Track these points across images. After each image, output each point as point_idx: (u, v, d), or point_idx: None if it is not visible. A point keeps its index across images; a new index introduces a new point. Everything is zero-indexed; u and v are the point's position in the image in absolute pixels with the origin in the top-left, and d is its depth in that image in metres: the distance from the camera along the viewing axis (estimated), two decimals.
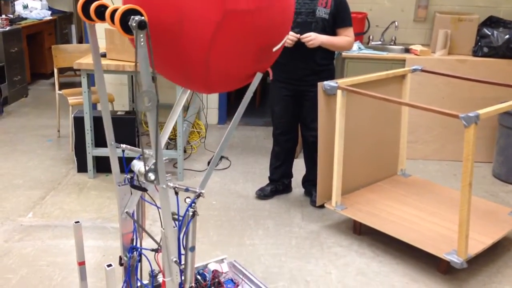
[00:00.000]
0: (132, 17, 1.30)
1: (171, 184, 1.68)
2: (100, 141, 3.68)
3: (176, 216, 1.75)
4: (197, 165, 4.01)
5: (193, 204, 1.73)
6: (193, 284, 1.81)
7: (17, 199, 3.37)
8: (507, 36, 4.02)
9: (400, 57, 4.14)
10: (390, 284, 2.57)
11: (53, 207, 3.27)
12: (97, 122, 3.67)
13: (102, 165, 3.77)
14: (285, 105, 3.26)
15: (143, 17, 1.31)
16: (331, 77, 3.16)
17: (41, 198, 3.38)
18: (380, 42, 4.57)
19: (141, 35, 1.31)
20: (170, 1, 1.40)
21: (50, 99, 5.69)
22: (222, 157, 4.11)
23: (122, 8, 1.31)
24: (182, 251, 1.76)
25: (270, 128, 3.49)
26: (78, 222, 1.91)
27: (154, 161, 1.51)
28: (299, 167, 3.61)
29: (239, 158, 4.17)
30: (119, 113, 3.88)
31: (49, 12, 6.70)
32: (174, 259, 1.65)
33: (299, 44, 3.00)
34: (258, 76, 1.64)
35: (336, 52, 3.38)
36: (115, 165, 1.79)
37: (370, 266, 2.72)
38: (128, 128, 3.76)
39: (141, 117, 4.40)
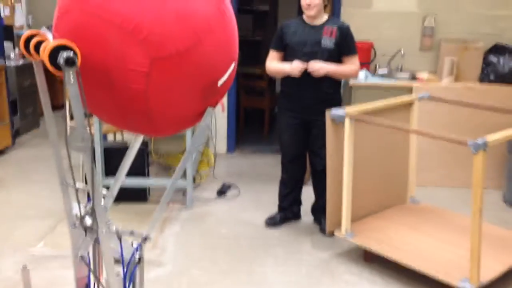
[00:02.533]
0: (61, 52, 1.25)
1: (114, 228, 1.61)
2: (109, 171, 3.72)
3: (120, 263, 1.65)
4: (206, 193, 4.03)
5: (138, 250, 1.65)
6: None
7: (29, 228, 3.40)
8: None
9: (407, 85, 4.18)
10: None
11: (64, 238, 3.28)
12: (107, 152, 3.72)
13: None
14: (293, 133, 3.29)
15: (71, 54, 1.25)
16: (338, 105, 3.20)
17: (52, 228, 3.41)
18: (386, 71, 4.62)
19: (70, 73, 1.26)
20: (96, 51, 1.32)
21: (61, 130, 5.75)
22: (230, 185, 4.13)
23: (52, 43, 1.26)
24: None
25: (279, 156, 3.51)
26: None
27: (91, 204, 1.43)
28: (308, 195, 3.62)
29: (248, 186, 4.18)
30: (129, 143, 3.92)
31: None
32: None
33: (305, 73, 3.05)
34: (209, 111, 1.53)
35: (343, 80, 3.42)
36: (67, 205, 1.69)
37: None
38: (139, 158, 3.79)
39: (151, 146, 4.44)
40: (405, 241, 2.93)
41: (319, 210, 3.43)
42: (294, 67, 3.06)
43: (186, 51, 1.35)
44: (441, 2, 4.60)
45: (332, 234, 3.17)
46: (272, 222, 3.47)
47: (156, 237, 3.29)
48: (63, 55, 1.24)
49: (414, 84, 4.18)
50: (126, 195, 3.81)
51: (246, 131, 5.83)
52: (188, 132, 3.63)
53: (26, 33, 1.41)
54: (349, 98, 4.20)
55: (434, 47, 4.62)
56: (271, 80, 5.67)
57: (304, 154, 3.39)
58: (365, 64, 4.48)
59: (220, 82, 1.49)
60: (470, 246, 2.44)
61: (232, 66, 1.53)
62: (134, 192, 3.81)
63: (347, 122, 2.85)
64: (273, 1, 7.41)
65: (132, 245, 1.67)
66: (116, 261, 1.62)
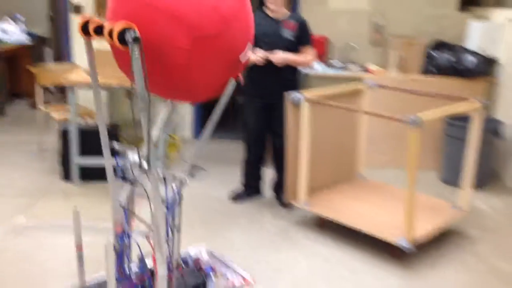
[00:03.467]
0: (128, 32, 1.57)
1: (160, 172, 1.95)
2: (83, 151, 3.97)
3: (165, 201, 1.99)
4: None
5: (179, 191, 2.03)
6: (180, 261, 2.10)
7: (7, 206, 3.61)
8: (451, 58, 4.56)
9: (358, 76, 4.62)
10: (351, 269, 2.95)
11: (44, 211, 3.53)
12: (81, 134, 3.95)
13: (86, 174, 4.05)
14: (258, 116, 3.65)
15: (137, 34, 1.57)
16: (297, 90, 3.58)
17: (31, 204, 3.63)
18: (340, 63, 5.05)
19: (136, 48, 1.58)
20: (150, 33, 1.65)
21: (28, 117, 5.91)
22: (199, 167, 4.44)
23: (119, 25, 1.59)
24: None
25: (241, 141, 3.86)
26: (76, 207, 2.17)
27: (147, 153, 1.77)
28: (268, 175, 3.99)
29: (214, 168, 4.51)
30: None
31: (27, 37, 6.95)
32: (164, 237, 1.91)
33: (268, 62, 3.41)
34: (231, 82, 1.95)
35: (301, 70, 3.81)
36: (109, 165, 2.01)
37: (334, 254, 3.10)
38: (111, 139, 4.05)
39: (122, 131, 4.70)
40: (353, 209, 3.35)
41: (278, 186, 3.81)
42: (258, 56, 3.42)
43: (219, 33, 1.74)
44: (390, 1, 5.06)
45: (290, 205, 3.56)
46: (237, 197, 3.83)
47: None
48: (131, 34, 1.57)
49: (364, 75, 4.62)
50: (100, 174, 4.06)
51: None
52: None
53: (82, 19, 1.72)
54: (306, 86, 4.60)
55: (382, 42, 5.09)
56: None
57: (265, 135, 3.76)
58: (321, 56, 4.89)
59: (242, 58, 1.90)
60: (406, 208, 2.88)
61: (249, 45, 1.94)
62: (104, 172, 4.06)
63: (304, 104, 3.24)
64: None
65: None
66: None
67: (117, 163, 1.99)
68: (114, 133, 4.07)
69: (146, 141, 1.78)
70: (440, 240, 3.29)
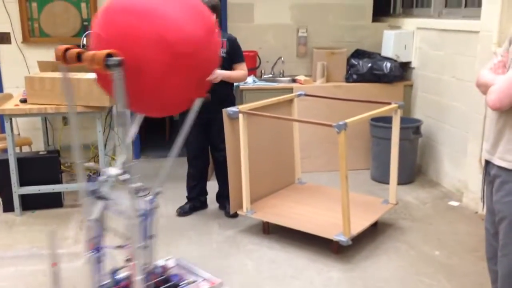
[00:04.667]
0: (110, 58, 1.83)
1: (135, 185, 2.11)
2: (24, 181, 3.94)
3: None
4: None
5: (153, 201, 2.27)
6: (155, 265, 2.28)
7: None
8: (369, 65, 4.96)
9: (288, 87, 4.90)
10: (295, 266, 3.17)
11: None
12: (20, 163, 3.93)
13: (28, 203, 4.02)
14: (196, 132, 3.80)
15: (119, 58, 1.83)
16: (233, 104, 3.79)
17: None
18: (271, 75, 5.33)
19: (118, 72, 1.85)
20: (131, 50, 1.91)
21: None
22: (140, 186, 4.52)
23: (103, 52, 1.83)
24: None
25: (182, 158, 3.97)
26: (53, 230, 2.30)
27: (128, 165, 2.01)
28: (212, 187, 4.15)
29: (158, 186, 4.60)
30: (40, 153, 4.17)
31: None
32: (140, 245, 2.11)
33: None
34: (198, 100, 2.25)
35: (234, 84, 4.02)
36: (81, 181, 2.24)
37: (279, 255, 3.32)
38: (51, 165, 4.06)
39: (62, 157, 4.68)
40: (294, 212, 3.59)
41: (223, 197, 3.98)
42: None
43: (195, 51, 1.99)
44: (311, 16, 5.41)
45: (235, 215, 3.75)
46: (182, 212, 3.95)
47: (76, 234, 3.61)
48: (113, 60, 1.82)
49: (294, 85, 4.92)
50: (42, 202, 4.06)
51: (149, 138, 6.22)
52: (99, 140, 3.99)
53: (61, 47, 1.97)
54: (241, 99, 4.82)
55: (307, 54, 5.42)
56: None
57: (206, 149, 3.93)
58: (252, 70, 5.14)
59: (208, 78, 2.20)
60: (341, 206, 3.14)
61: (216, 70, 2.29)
62: (49, 199, 4.06)
63: (240, 117, 3.44)
64: None
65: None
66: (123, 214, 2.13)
67: (89, 180, 2.17)
68: (54, 160, 4.07)
69: (125, 154, 2.02)
70: (374, 233, 3.60)
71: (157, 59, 1.93)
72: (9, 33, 4.87)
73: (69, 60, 1.95)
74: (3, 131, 3.98)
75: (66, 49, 1.95)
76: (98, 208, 2.23)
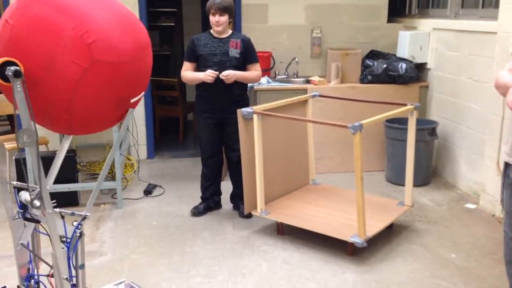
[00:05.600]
0: (8, 67, 1.55)
1: (57, 210, 1.86)
2: None
3: (64, 239, 1.90)
4: (133, 194, 4.41)
5: (79, 226, 1.91)
6: None
7: None
8: (385, 66, 4.92)
9: (302, 87, 4.89)
10: (309, 268, 3.16)
11: None
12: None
13: None
14: (210, 132, 3.82)
15: (18, 67, 1.55)
16: (247, 105, 3.79)
17: None
18: (285, 76, 5.31)
19: (18, 82, 1.56)
20: (42, 49, 1.65)
21: None
22: (155, 185, 4.55)
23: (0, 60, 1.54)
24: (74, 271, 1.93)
25: (195, 158, 3.98)
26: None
27: (38, 190, 1.72)
28: (226, 187, 4.15)
29: (171, 185, 4.62)
30: (57, 152, 4.20)
31: None
32: (65, 277, 1.86)
33: (218, 79, 3.60)
34: (125, 123, 1.95)
35: (249, 85, 4.02)
36: (6, 201, 1.94)
37: (293, 256, 3.30)
38: (68, 165, 4.09)
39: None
40: (308, 213, 3.57)
41: (237, 198, 3.98)
42: (208, 75, 3.59)
43: (120, 63, 1.74)
44: (325, 17, 5.39)
45: (249, 216, 3.75)
46: (196, 212, 3.96)
47: (93, 233, 3.64)
48: (11, 69, 1.55)
49: (308, 86, 4.90)
50: (58, 201, 4.08)
51: (163, 138, 6.26)
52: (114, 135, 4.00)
53: None
54: (255, 100, 4.82)
55: (322, 55, 5.40)
56: (181, 90, 6.14)
57: (220, 149, 3.93)
58: (266, 70, 5.13)
59: (132, 100, 1.90)
60: (356, 207, 3.12)
61: (142, 94, 1.93)
62: (65, 198, 4.09)
63: (255, 117, 3.44)
64: (178, 17, 7.89)
65: (73, 225, 1.95)
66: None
67: (18, 202, 1.90)
68: (70, 159, 4.10)
69: (38, 179, 1.71)
70: (389, 235, 3.57)
71: (73, 61, 1.66)
72: None
73: None
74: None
75: None
76: (28, 231, 1.97)
